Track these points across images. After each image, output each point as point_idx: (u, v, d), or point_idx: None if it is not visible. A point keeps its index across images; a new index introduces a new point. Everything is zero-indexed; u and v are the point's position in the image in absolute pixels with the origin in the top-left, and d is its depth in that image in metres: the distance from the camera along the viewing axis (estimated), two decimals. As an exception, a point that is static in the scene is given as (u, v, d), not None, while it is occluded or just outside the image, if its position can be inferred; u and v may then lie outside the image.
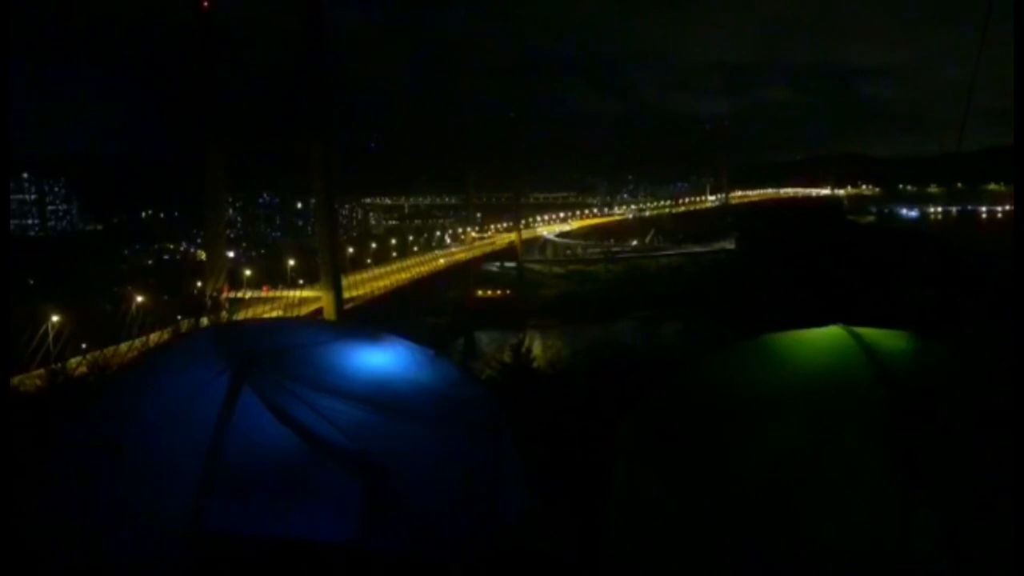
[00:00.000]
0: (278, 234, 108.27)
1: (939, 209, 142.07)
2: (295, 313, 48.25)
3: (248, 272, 63.79)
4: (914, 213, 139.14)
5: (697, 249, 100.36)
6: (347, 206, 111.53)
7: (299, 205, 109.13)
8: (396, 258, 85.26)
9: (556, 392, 6.66)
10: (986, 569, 2.61)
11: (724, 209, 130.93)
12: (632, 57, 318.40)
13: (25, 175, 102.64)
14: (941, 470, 2.70)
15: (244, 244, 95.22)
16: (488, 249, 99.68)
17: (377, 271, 74.15)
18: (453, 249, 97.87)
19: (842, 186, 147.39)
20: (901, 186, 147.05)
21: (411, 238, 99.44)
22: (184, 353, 3.63)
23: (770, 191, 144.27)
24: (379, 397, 3.20)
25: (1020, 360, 3.25)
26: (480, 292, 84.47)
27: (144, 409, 3.23)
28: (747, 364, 3.49)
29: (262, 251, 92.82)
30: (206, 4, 57.52)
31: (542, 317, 74.67)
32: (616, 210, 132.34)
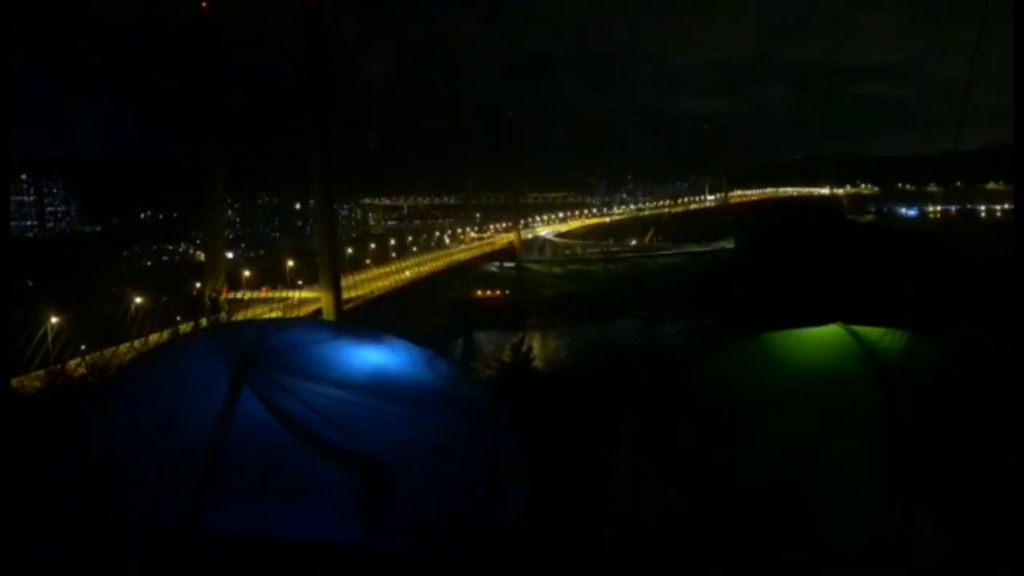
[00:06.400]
0: (277, 235, 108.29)
1: (938, 208, 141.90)
2: (294, 314, 48.15)
3: (247, 273, 63.73)
4: (913, 212, 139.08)
5: (696, 248, 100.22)
6: (346, 206, 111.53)
7: (298, 206, 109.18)
8: (395, 258, 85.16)
9: (556, 392, 6.65)
10: (985, 567, 2.61)
11: (723, 208, 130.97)
12: (631, 57, 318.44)
13: (24, 176, 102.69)
14: (939, 468, 2.71)
15: (243, 245, 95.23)
16: (487, 249, 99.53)
17: (376, 271, 73.95)
18: (452, 249, 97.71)
19: (841, 185, 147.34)
20: (900, 185, 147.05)
21: (410, 238, 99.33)
22: (183, 354, 3.62)
23: (769, 190, 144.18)
24: (379, 397, 3.20)
25: (1019, 359, 3.25)
26: (479, 292, 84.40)
27: (144, 410, 3.23)
28: (747, 363, 3.49)
29: (261, 252, 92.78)
30: (205, 4, 57.44)
31: (541, 317, 74.70)
32: (616, 210, 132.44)
